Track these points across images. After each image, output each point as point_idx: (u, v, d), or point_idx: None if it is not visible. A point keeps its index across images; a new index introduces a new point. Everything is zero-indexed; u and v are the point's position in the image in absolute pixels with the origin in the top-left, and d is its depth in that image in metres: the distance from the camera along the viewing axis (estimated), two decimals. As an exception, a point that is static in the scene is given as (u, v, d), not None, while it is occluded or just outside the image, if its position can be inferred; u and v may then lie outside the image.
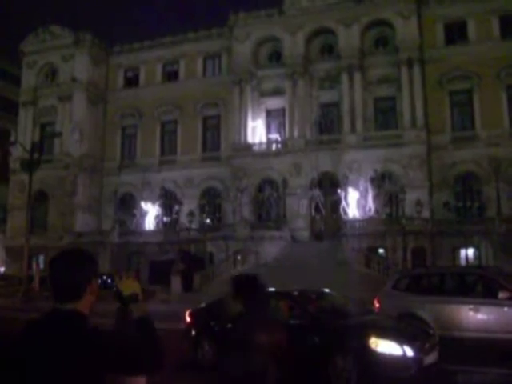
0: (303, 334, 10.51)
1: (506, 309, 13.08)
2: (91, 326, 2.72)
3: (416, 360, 9.92)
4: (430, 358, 10.35)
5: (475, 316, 13.25)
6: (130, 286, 3.01)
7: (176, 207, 48.83)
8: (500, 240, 37.52)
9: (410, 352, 9.84)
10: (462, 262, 39.67)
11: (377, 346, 9.85)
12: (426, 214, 41.55)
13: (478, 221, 41.09)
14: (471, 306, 13.42)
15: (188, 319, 13.59)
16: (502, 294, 13.20)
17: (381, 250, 40.45)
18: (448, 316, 13.28)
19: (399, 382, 9.81)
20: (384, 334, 10.36)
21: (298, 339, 10.47)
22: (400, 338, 10.19)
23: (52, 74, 57.19)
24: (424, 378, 10.12)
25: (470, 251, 40.19)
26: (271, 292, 14.08)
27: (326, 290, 13.98)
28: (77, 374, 2.55)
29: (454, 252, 39.95)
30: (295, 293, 12.81)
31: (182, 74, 54.85)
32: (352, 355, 10.01)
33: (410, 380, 9.92)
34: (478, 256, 39.24)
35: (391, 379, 9.76)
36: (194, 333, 13.24)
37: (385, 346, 9.85)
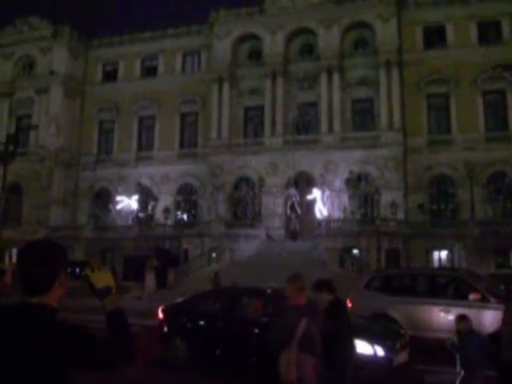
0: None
1: (476, 310, 13.25)
2: (59, 320, 2.65)
3: (386, 359, 9.98)
4: (401, 358, 10.43)
5: (446, 317, 13.33)
6: (102, 279, 2.88)
7: (152, 203, 48.58)
8: (473, 243, 37.96)
9: (380, 351, 9.91)
10: (436, 264, 40.04)
11: None
12: (400, 215, 41.88)
13: (451, 224, 41.52)
14: (442, 307, 13.59)
15: (160, 316, 13.43)
16: (472, 296, 13.37)
17: (355, 251, 40.65)
18: (419, 317, 13.39)
19: (370, 382, 9.79)
20: (355, 333, 10.38)
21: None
22: (371, 337, 10.21)
23: (29, 66, 56.49)
24: (394, 378, 10.16)
25: (444, 253, 40.62)
26: (244, 289, 14.13)
27: None
28: (43, 368, 2.49)
29: (428, 254, 40.34)
30: (268, 290, 12.74)
31: (160, 69, 54.59)
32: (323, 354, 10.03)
33: (380, 379, 9.95)
34: (451, 258, 39.66)
35: (362, 378, 9.82)
36: (166, 329, 13.11)
37: (356, 346, 9.89)
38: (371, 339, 10.08)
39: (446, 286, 14.94)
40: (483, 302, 13.33)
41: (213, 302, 13.41)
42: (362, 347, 9.81)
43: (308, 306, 6.27)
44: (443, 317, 13.43)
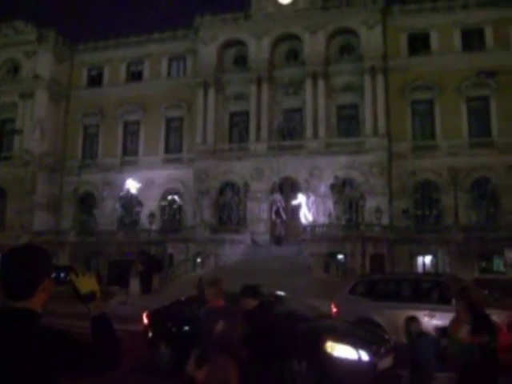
0: (257, 337, 10.49)
1: None
2: (43, 325, 2.63)
3: (371, 364, 9.97)
4: (386, 363, 10.44)
5: (430, 322, 13.42)
6: (87, 284, 2.88)
7: (137, 208, 48.42)
8: (457, 248, 38.19)
9: (365, 356, 9.89)
10: (420, 269, 40.25)
11: (333, 350, 9.88)
12: (385, 221, 42.06)
13: (435, 229, 41.80)
14: (426, 312, 13.63)
15: (145, 321, 13.38)
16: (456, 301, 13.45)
17: (340, 256, 40.73)
18: (402, 322, 13.40)
19: None
20: (340, 338, 10.37)
21: (251, 342, 10.49)
22: (356, 342, 10.22)
23: (14, 69, 56.10)
24: (379, 383, 10.15)
25: (428, 258, 40.83)
26: (229, 293, 14.05)
27: (282, 293, 13.98)
28: (27, 373, 2.46)
29: (412, 259, 40.54)
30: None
31: (146, 74, 54.40)
32: (308, 359, 9.98)
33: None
34: (435, 263, 39.87)
35: (346, 383, 9.81)
36: (150, 334, 13.04)
37: (341, 350, 9.87)
38: (356, 344, 10.09)
39: (430, 291, 15.02)
40: None
41: (198, 307, 13.34)
42: (347, 352, 9.87)
43: (226, 309, 6.44)
44: (427, 321, 13.41)
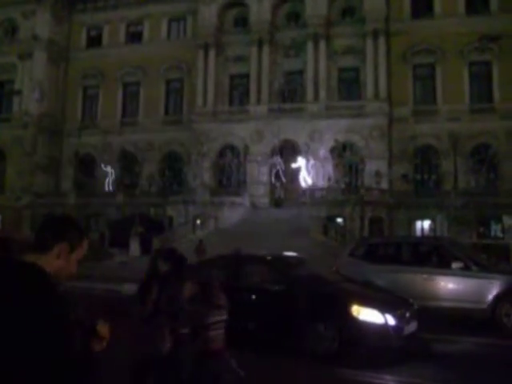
0: (282, 299, 10.43)
1: (458, 278, 13.47)
2: (49, 282, 2.42)
3: (397, 329, 9.87)
4: (411, 327, 10.33)
5: (429, 285, 13.56)
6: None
7: (136, 170, 48.43)
8: (455, 213, 38.28)
9: (391, 320, 9.78)
10: (418, 233, 40.46)
11: (359, 313, 9.74)
12: (384, 185, 42.16)
13: (434, 194, 41.80)
14: (425, 276, 13.71)
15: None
16: (455, 264, 13.54)
17: (339, 219, 40.87)
18: (403, 285, 13.24)
19: (380, 351, 9.80)
20: (366, 301, 10.23)
21: (276, 305, 10.41)
22: (382, 306, 10.06)
23: (12, 30, 55.52)
24: (404, 347, 10.08)
25: (426, 223, 41.02)
26: (249, 256, 13.68)
27: (302, 257, 13.86)
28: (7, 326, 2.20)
29: (411, 223, 40.73)
30: (268, 257, 12.65)
31: (146, 35, 53.84)
32: (333, 322, 9.91)
33: (391, 349, 9.92)
34: (433, 228, 40.04)
35: (372, 347, 9.75)
36: None
37: (367, 314, 9.73)
38: (382, 308, 9.94)
39: (430, 255, 15.01)
40: (465, 270, 13.48)
41: (217, 269, 13.04)
42: (373, 316, 9.75)
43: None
44: (427, 285, 13.59)
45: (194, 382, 5.78)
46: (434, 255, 14.84)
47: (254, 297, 11.12)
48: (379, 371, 9.14)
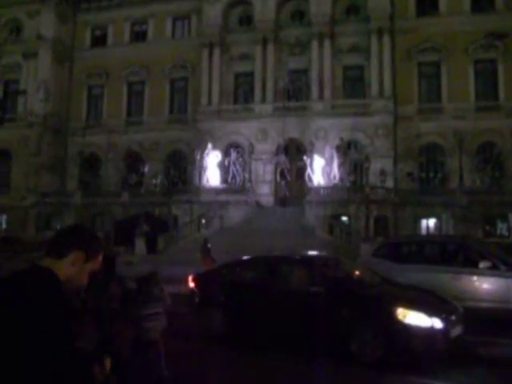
0: (321, 302, 10.15)
1: (486, 278, 13.25)
2: (58, 287, 2.48)
3: (444, 332, 9.62)
4: (457, 331, 10.06)
5: (456, 285, 13.26)
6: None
7: (141, 169, 48.46)
8: (461, 211, 38.20)
9: (438, 324, 9.52)
10: (424, 231, 40.35)
11: (405, 317, 9.46)
12: (389, 183, 42.05)
13: (440, 192, 41.71)
14: (452, 275, 13.46)
15: (191, 284, 12.74)
16: (482, 264, 13.26)
17: (344, 218, 40.85)
18: (428, 284, 12.69)
19: (426, 355, 9.50)
20: (412, 304, 9.94)
21: (315, 307, 10.16)
22: (428, 309, 9.81)
23: (17, 30, 55.58)
24: (451, 351, 9.79)
25: (432, 221, 40.88)
26: (284, 257, 13.50)
27: (337, 257, 13.57)
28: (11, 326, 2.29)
29: (416, 222, 40.62)
30: (305, 258, 12.45)
31: (150, 34, 53.85)
32: (378, 326, 9.66)
33: (438, 352, 9.60)
34: (439, 226, 39.94)
35: (419, 352, 9.49)
36: (197, 299, 12.50)
37: (413, 318, 9.45)
38: (428, 311, 9.70)
39: (456, 254, 14.73)
40: (494, 269, 13.22)
41: (251, 271, 12.72)
42: (419, 319, 9.50)
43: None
44: (454, 284, 13.29)
45: (130, 369, 5.89)
46: (461, 254, 14.55)
47: (291, 299, 10.84)
48: (425, 376, 8.93)
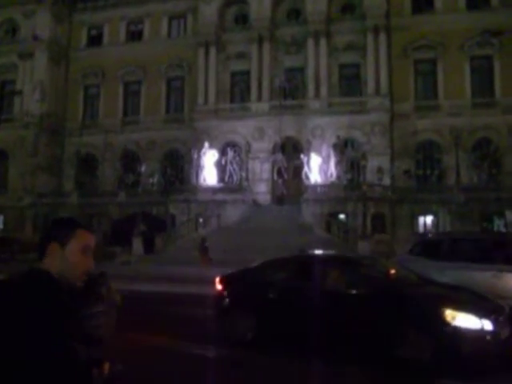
0: (362, 303, 9.89)
1: None
2: (56, 290, 2.50)
3: (494, 334, 9.21)
4: (505, 332, 9.58)
5: (498, 283, 12.73)
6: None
7: (138, 169, 48.43)
8: (458, 208, 38.26)
9: (488, 326, 9.12)
10: (421, 229, 40.39)
11: (453, 318, 9.08)
12: (386, 181, 42.10)
13: (437, 189, 41.79)
14: (493, 273, 12.96)
15: (219, 286, 12.08)
16: None
17: (341, 216, 40.86)
18: (468, 283, 12.13)
19: (475, 358, 9.09)
20: (461, 306, 9.52)
21: (356, 309, 9.86)
22: (478, 310, 9.40)
23: (13, 30, 55.50)
24: (501, 353, 9.32)
25: (429, 218, 40.96)
26: (314, 256, 12.92)
27: (374, 256, 13.09)
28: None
29: (413, 219, 40.73)
30: (342, 257, 12.08)
31: (146, 34, 53.80)
32: (425, 329, 9.26)
33: (488, 355, 9.23)
34: (436, 223, 40.01)
35: (468, 356, 9.03)
36: (226, 302, 11.86)
37: (462, 320, 9.07)
38: (478, 312, 9.31)
39: (497, 251, 14.09)
40: None
41: (284, 271, 12.05)
42: (469, 321, 9.14)
43: None
44: (495, 282, 12.75)
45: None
46: (502, 252, 13.96)
47: (328, 301, 10.31)
48: (476, 381, 8.68)
